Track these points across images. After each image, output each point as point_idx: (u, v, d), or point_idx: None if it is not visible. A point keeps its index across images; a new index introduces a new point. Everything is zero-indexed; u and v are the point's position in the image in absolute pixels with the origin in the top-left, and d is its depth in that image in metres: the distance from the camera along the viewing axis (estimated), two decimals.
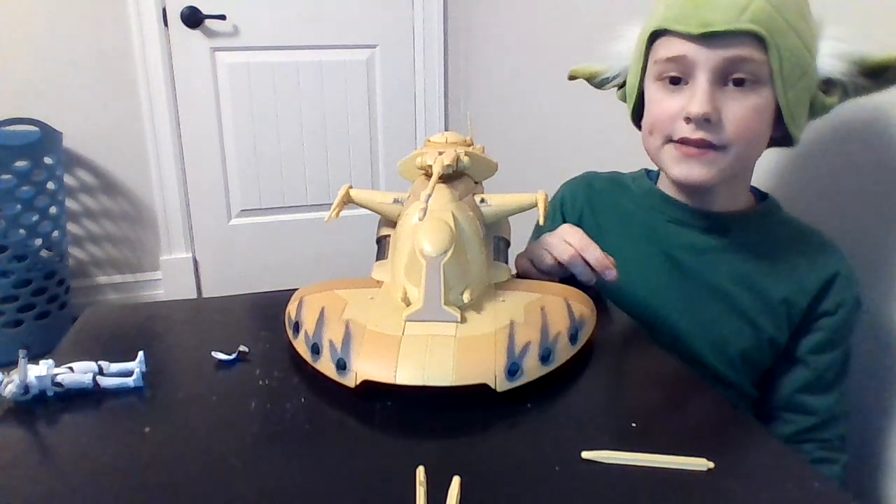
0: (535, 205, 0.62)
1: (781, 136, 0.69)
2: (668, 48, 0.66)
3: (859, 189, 0.81)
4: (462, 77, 2.20)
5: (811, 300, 0.71)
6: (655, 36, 0.68)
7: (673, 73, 0.66)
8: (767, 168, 0.87)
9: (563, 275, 0.69)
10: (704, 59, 0.63)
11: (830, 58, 0.64)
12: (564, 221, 0.81)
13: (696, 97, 0.63)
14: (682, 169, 0.67)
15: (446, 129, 2.27)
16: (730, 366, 0.72)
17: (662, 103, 0.68)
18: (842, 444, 0.74)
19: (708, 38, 0.62)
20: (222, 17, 2.01)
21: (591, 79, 0.82)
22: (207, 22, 2.01)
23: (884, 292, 0.79)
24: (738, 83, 0.63)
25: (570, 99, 1.49)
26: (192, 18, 1.98)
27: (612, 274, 0.66)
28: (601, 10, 1.35)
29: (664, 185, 0.78)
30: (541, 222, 0.60)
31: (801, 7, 0.64)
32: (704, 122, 0.64)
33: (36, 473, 0.41)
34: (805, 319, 0.71)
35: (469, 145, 0.65)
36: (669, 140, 0.68)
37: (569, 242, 0.68)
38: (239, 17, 2.04)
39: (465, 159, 0.61)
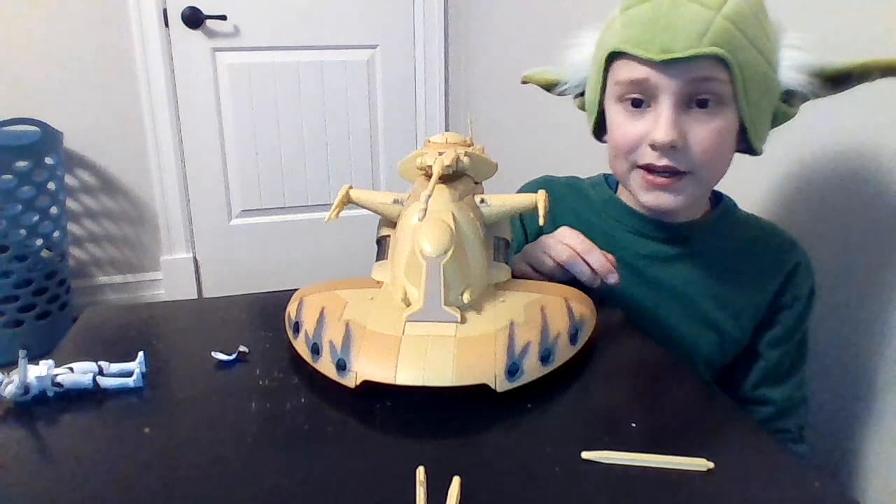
0: (535, 205, 0.62)
1: (744, 147, 0.68)
2: (629, 71, 0.64)
3: (826, 189, 0.83)
4: (462, 77, 2.20)
5: (772, 297, 0.72)
6: (614, 56, 0.66)
7: (635, 96, 0.64)
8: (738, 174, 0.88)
9: (564, 277, 0.68)
10: (667, 85, 0.61)
11: (791, 70, 0.63)
12: (523, 226, 0.80)
13: (660, 124, 0.62)
14: (650, 197, 0.67)
15: (446, 130, 2.27)
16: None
17: (625, 127, 0.66)
18: (801, 434, 0.76)
19: (670, 64, 0.60)
20: (223, 18, 2.01)
21: (547, 87, 0.79)
22: (208, 22, 2.02)
23: (851, 287, 0.81)
24: (702, 104, 0.62)
25: (570, 98, 1.49)
26: (193, 19, 1.98)
27: (614, 278, 0.65)
28: (601, 10, 1.35)
29: (625, 195, 0.76)
30: (541, 223, 0.60)
31: (760, 20, 0.63)
32: (670, 148, 0.62)
33: (36, 473, 0.41)
34: (765, 315, 0.73)
35: (469, 145, 0.65)
36: (635, 165, 0.66)
37: (568, 244, 0.67)
38: (240, 17, 2.04)
39: (465, 160, 0.61)
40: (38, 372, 0.49)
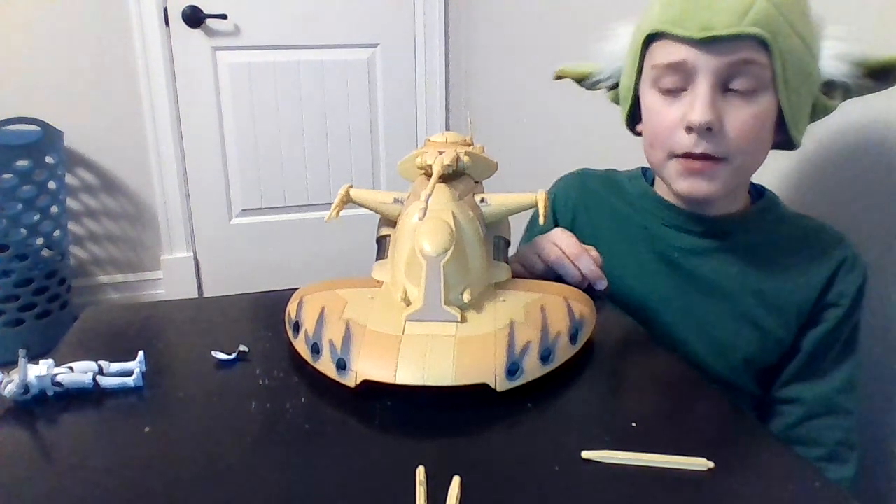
0: (535, 204, 0.62)
1: (782, 140, 0.66)
2: (666, 53, 0.63)
3: (866, 188, 0.80)
4: (463, 77, 2.19)
5: (818, 295, 0.68)
6: (651, 38, 0.65)
7: (672, 79, 0.63)
8: (773, 167, 0.85)
9: (554, 278, 0.68)
10: (705, 65, 0.60)
11: (833, 59, 0.62)
12: (556, 218, 0.81)
13: (696, 105, 0.61)
14: (687, 184, 0.66)
15: (447, 129, 2.27)
16: (732, 370, 0.70)
17: (661, 113, 0.65)
18: (840, 452, 0.68)
19: (709, 43, 0.59)
20: (223, 17, 2.01)
21: (580, 80, 0.79)
22: (209, 21, 2.01)
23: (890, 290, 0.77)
24: (740, 89, 0.61)
25: (571, 98, 1.49)
26: (194, 18, 1.98)
27: (603, 283, 0.66)
28: (601, 10, 1.35)
29: (661, 189, 0.75)
30: (541, 222, 0.60)
31: (802, 7, 0.62)
32: (706, 131, 0.61)
33: (36, 473, 0.41)
34: (811, 314, 0.69)
35: (469, 145, 0.65)
36: (672, 155, 0.65)
37: (559, 246, 0.67)
38: (240, 16, 2.04)
39: (465, 159, 0.61)
40: (38, 371, 0.49)
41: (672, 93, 0.64)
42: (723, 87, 0.61)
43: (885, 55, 0.62)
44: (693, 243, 0.72)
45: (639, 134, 0.73)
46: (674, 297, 0.72)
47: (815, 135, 0.70)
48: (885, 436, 0.79)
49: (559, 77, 0.81)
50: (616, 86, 0.75)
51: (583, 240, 0.69)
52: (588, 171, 0.84)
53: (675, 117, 0.64)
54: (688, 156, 0.64)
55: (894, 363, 0.78)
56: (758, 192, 0.75)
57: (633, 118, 0.73)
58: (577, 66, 0.79)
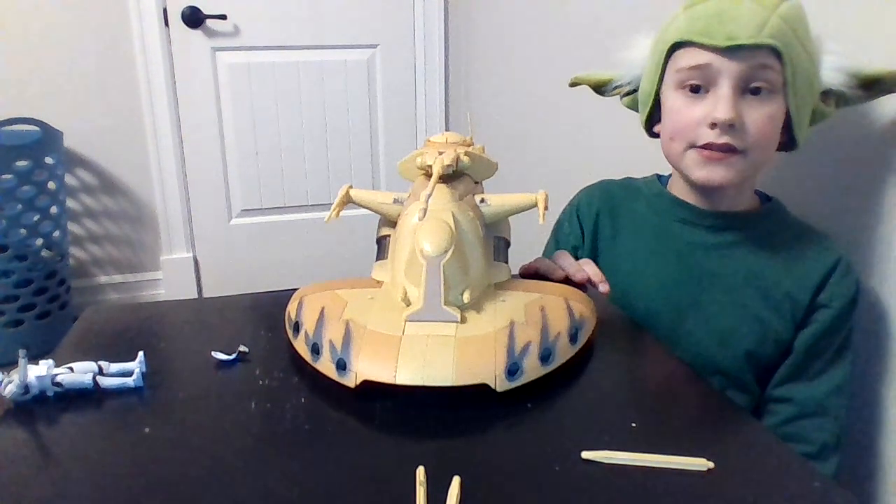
0: (535, 205, 0.62)
1: (785, 141, 0.73)
2: (692, 58, 0.70)
3: (854, 185, 0.82)
4: (462, 77, 2.20)
5: (812, 295, 0.73)
6: (676, 47, 0.71)
7: (695, 82, 0.70)
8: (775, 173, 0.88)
9: None
10: (728, 69, 0.67)
11: (832, 70, 0.70)
12: (580, 224, 0.87)
13: (721, 104, 0.67)
14: (705, 172, 0.71)
15: (446, 129, 2.27)
16: (734, 361, 0.74)
17: (684, 111, 0.71)
18: (826, 451, 0.72)
19: (732, 51, 0.67)
20: (223, 17, 2.01)
21: (597, 86, 0.85)
22: (208, 22, 2.01)
23: (881, 286, 0.79)
24: (755, 92, 0.68)
25: (571, 99, 1.49)
26: (193, 18, 1.98)
27: (605, 287, 0.69)
28: (599, 11, 1.35)
29: (674, 189, 0.81)
30: (540, 221, 0.61)
31: (806, 25, 0.70)
32: (729, 127, 0.68)
33: (36, 473, 0.41)
34: (805, 313, 0.73)
35: (469, 145, 0.65)
36: (692, 146, 0.71)
37: (562, 268, 0.73)
38: (240, 16, 2.04)
39: (465, 159, 0.61)
40: (38, 372, 0.49)
41: (694, 93, 0.71)
42: (741, 89, 0.68)
43: (874, 68, 0.70)
44: (703, 238, 0.77)
45: (654, 135, 0.79)
46: (685, 289, 0.77)
47: (813, 140, 0.74)
48: (870, 435, 0.81)
49: (574, 84, 0.88)
50: (633, 92, 0.82)
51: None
52: (608, 180, 0.91)
53: (698, 115, 0.70)
54: (708, 146, 0.70)
55: (880, 364, 0.79)
56: (767, 197, 0.81)
57: (651, 120, 0.79)
58: (593, 73, 0.86)
